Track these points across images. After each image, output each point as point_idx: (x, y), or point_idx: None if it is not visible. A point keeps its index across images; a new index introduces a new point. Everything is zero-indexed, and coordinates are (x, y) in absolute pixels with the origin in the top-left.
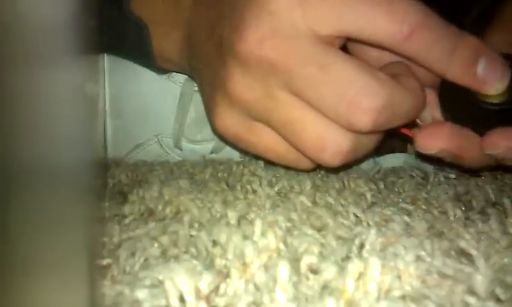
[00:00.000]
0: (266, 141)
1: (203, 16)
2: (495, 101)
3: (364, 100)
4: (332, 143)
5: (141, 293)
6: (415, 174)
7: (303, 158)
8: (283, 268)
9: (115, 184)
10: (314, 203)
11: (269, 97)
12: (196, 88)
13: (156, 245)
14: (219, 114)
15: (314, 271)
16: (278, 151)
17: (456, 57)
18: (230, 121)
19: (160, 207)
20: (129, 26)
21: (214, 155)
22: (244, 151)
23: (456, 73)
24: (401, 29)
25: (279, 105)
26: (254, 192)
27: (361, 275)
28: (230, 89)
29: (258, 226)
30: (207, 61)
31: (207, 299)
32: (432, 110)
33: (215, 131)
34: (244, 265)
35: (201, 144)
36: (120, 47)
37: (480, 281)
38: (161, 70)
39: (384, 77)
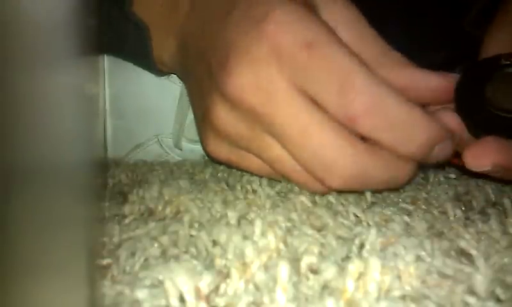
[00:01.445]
0: (257, 165)
1: (197, 29)
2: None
3: (337, 167)
4: (312, 187)
5: (141, 293)
6: None
7: (303, 176)
8: (283, 268)
9: (115, 184)
10: (314, 203)
11: (252, 135)
12: None
13: (156, 245)
14: (208, 140)
15: (314, 271)
16: (271, 173)
17: (411, 143)
18: (219, 147)
19: (160, 207)
20: (130, 27)
21: None
22: None
23: (415, 156)
24: (346, 113)
25: (261, 144)
26: (254, 192)
27: (361, 275)
28: (215, 122)
29: (258, 226)
30: (197, 82)
31: (207, 299)
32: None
33: (206, 154)
34: (244, 265)
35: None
36: (120, 48)
37: (480, 281)
38: (160, 73)
39: (360, 145)
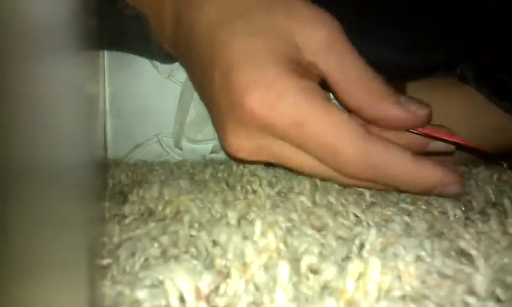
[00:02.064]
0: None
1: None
2: None
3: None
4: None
5: (141, 293)
6: None
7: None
8: (283, 268)
9: (115, 184)
10: (314, 203)
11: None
12: None
13: (156, 245)
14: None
15: (314, 271)
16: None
17: (410, 188)
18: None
19: (160, 207)
20: (128, 19)
21: (214, 155)
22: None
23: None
24: (344, 173)
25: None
26: (254, 192)
27: (361, 275)
28: (228, 142)
29: (258, 226)
30: (201, 90)
31: (207, 299)
32: None
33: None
34: (244, 265)
35: (201, 143)
36: (121, 40)
37: (480, 281)
38: (165, 59)
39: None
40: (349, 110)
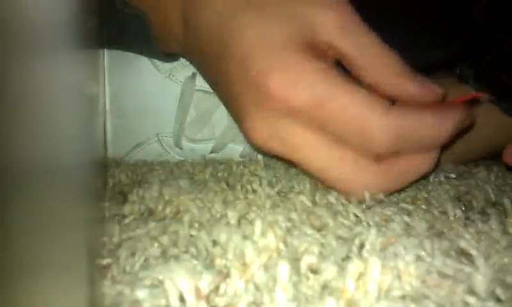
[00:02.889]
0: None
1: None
2: None
3: (358, 189)
4: (357, 181)
5: (141, 293)
6: None
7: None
8: (283, 268)
9: (115, 184)
10: (314, 203)
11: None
12: (197, 87)
13: (156, 245)
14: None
15: (314, 271)
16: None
17: (438, 141)
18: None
19: (160, 207)
20: (128, 18)
21: (214, 155)
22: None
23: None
24: (370, 152)
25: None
26: (254, 192)
27: (361, 275)
28: (246, 128)
29: (258, 226)
30: (217, 85)
31: (207, 299)
32: None
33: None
34: (244, 265)
35: (201, 143)
36: (122, 39)
37: (480, 281)
38: (166, 57)
39: (375, 167)
40: (366, 87)
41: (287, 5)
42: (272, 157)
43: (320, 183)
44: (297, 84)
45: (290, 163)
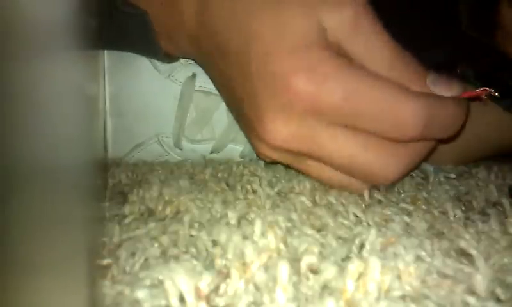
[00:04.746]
0: (317, 171)
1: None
2: None
3: (385, 174)
4: (384, 165)
5: (141, 293)
6: (414, 174)
7: (355, 182)
8: (283, 268)
9: (115, 184)
10: (314, 203)
11: (299, 163)
12: (197, 88)
13: (156, 245)
14: (260, 151)
15: (314, 271)
16: (330, 178)
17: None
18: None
19: (160, 207)
20: (129, 17)
21: (214, 155)
22: None
23: None
24: (403, 137)
25: (310, 169)
26: (254, 192)
27: (361, 275)
28: (261, 152)
29: (258, 226)
30: (227, 89)
31: (207, 298)
32: None
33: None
34: (244, 265)
35: (201, 143)
36: (122, 40)
37: (480, 281)
38: (166, 58)
39: (402, 149)
40: None
41: (303, 3)
42: (277, 163)
43: (337, 181)
44: (325, 83)
45: (293, 168)
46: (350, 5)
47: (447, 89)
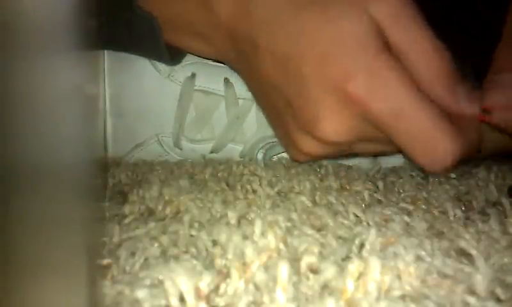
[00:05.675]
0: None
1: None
2: None
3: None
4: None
5: (141, 293)
6: (415, 174)
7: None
8: (283, 268)
9: (115, 184)
10: (314, 203)
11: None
12: (196, 88)
13: (156, 245)
14: (296, 157)
15: (314, 271)
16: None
17: None
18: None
19: (160, 207)
20: (137, 20)
21: (213, 155)
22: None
23: None
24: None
25: (364, 148)
26: (254, 192)
27: (361, 275)
28: (304, 151)
29: (258, 226)
30: (267, 96)
31: (207, 298)
32: None
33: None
34: (244, 265)
35: (201, 143)
36: (129, 41)
37: (480, 281)
38: (171, 61)
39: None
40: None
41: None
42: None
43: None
44: (378, 90)
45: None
46: None
47: (474, 107)
